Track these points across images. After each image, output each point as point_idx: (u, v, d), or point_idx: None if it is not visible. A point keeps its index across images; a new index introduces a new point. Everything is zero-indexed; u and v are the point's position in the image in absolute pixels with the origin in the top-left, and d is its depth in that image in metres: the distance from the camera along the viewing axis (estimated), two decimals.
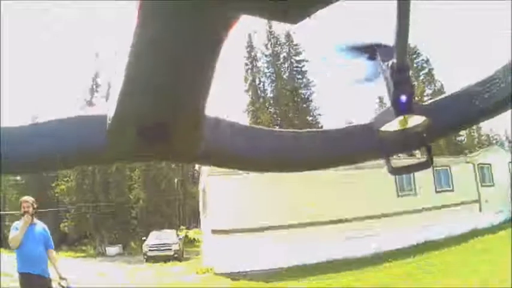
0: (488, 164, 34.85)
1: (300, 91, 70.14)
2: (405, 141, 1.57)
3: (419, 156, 21.67)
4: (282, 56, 70.90)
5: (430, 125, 1.46)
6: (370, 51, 1.57)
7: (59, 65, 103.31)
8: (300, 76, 71.19)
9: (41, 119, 1.28)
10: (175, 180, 67.33)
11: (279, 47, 71.36)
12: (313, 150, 1.61)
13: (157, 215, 60.81)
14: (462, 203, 31.30)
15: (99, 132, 1.25)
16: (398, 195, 30.15)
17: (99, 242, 56.55)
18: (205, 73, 1.09)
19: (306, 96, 70.51)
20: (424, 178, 29.56)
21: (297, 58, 70.99)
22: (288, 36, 71.33)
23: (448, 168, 32.39)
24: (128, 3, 0.89)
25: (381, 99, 68.02)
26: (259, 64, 70.61)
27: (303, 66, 70.80)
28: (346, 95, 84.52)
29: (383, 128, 1.47)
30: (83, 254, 52.32)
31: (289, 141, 1.59)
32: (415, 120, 1.44)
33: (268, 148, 1.53)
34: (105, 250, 53.74)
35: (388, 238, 27.12)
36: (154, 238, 41.86)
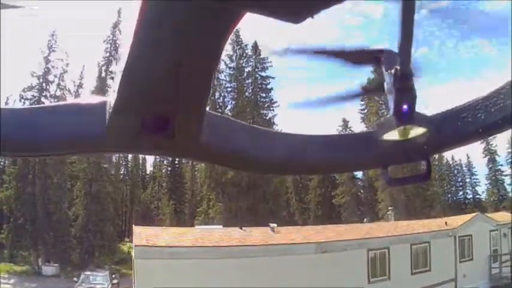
0: (469, 235, 33.40)
1: (261, 111, 66.29)
2: (405, 153, 1.58)
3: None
4: (246, 70, 66.78)
5: (431, 138, 1.47)
6: (376, 55, 1.53)
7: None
8: (263, 94, 67.25)
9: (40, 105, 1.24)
10: (122, 195, 65.45)
11: (245, 60, 67.52)
12: (315, 154, 1.64)
13: (97, 235, 56.65)
14: (439, 284, 29.73)
15: (98, 121, 1.29)
16: (369, 281, 27.81)
17: (35, 259, 53.23)
18: (207, 69, 1.15)
19: (268, 118, 66.26)
20: (400, 259, 27.97)
21: (263, 74, 66.81)
22: (256, 48, 67.82)
23: (428, 244, 30.56)
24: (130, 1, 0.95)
25: (345, 121, 65.97)
26: (221, 77, 66.25)
27: (268, 83, 66.86)
28: (310, 119, 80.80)
29: (384, 137, 1.48)
30: (19, 269, 49.05)
31: (292, 143, 1.63)
32: (417, 132, 1.44)
33: (271, 149, 1.58)
34: (41, 269, 50.13)
35: None
36: (85, 280, 39.07)
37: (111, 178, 62.34)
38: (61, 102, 1.38)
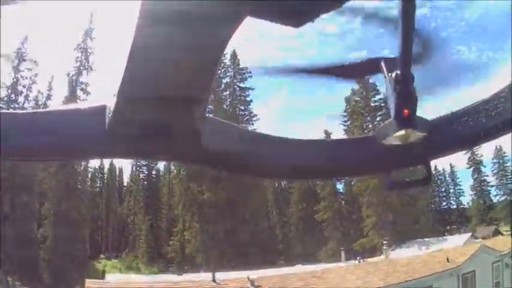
0: (473, 271, 31.52)
1: (240, 125, 62.17)
2: (406, 157, 1.59)
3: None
4: (224, 80, 63.54)
5: (432, 142, 1.49)
6: (375, 64, 1.55)
7: None
8: (242, 107, 64.59)
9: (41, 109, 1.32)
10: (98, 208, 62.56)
11: (223, 70, 64.23)
12: (315, 159, 1.67)
13: (66, 257, 53.15)
14: None
15: (98, 125, 1.31)
16: None
17: (5, 280, 49.44)
18: (207, 73, 1.17)
19: None
20: None
21: (242, 85, 63.90)
22: (234, 57, 64.79)
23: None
24: (131, 3, 0.96)
25: (327, 133, 63.75)
26: None
27: (248, 95, 63.91)
28: (290, 131, 78.38)
29: (384, 141, 1.48)
30: None
31: (292, 148, 1.65)
32: (417, 136, 1.44)
33: (270, 154, 1.60)
34: None
35: None
36: None
37: (81, 196, 58.87)
38: (61, 107, 1.40)
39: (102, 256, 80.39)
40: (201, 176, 57.34)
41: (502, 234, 57.14)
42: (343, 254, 46.38)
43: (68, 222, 54.15)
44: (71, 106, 1.39)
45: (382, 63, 1.49)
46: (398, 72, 1.37)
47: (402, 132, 1.41)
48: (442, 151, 1.66)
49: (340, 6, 0.85)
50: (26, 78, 59.28)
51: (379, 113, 63.68)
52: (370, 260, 41.02)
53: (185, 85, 1.18)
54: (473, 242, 42.22)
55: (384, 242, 44.46)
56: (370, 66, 1.60)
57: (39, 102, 59.44)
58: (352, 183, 66.40)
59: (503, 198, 78.03)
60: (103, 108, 1.31)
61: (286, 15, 0.85)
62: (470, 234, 53.75)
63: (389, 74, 1.42)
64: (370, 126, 64.77)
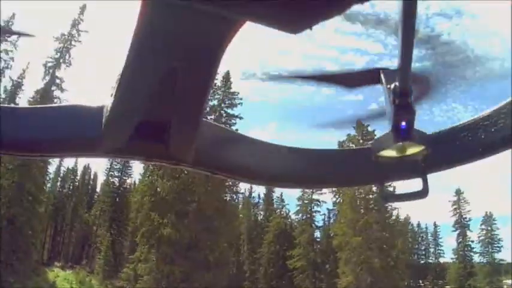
0: None
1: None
2: (402, 169, 1.59)
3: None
4: (211, 103, 58.51)
5: (429, 156, 1.48)
6: (374, 75, 1.57)
7: None
8: None
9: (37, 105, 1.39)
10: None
11: (212, 91, 59.42)
12: (310, 167, 1.68)
13: (8, 269, 47.93)
14: None
15: (95, 124, 1.34)
16: None
17: None
18: (205, 77, 1.20)
19: None
20: None
21: (230, 111, 59.35)
22: (227, 79, 60.27)
23: None
24: (131, 3, 0.97)
25: None
26: None
27: (234, 123, 58.65)
28: None
29: (380, 153, 1.48)
30: None
31: (287, 156, 1.65)
32: (414, 149, 1.45)
33: (266, 161, 1.62)
34: None
35: None
36: None
37: (38, 199, 53.67)
38: (60, 104, 1.43)
39: (57, 264, 75.59)
40: (167, 207, 52.93)
41: None
42: None
43: (14, 229, 48.98)
44: (70, 104, 1.40)
45: (382, 75, 1.47)
46: (397, 84, 1.34)
47: (399, 144, 1.40)
48: (439, 165, 1.61)
49: (341, 14, 0.84)
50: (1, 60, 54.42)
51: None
52: None
53: (183, 87, 1.19)
54: None
55: None
56: (370, 76, 1.55)
57: (6, 89, 54.59)
58: (331, 234, 62.93)
59: (485, 267, 75.28)
60: (100, 108, 1.33)
61: (285, 20, 0.85)
62: None
63: (388, 86, 1.39)
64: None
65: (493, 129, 1.53)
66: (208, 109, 58.61)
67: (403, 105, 1.35)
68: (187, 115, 1.30)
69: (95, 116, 1.33)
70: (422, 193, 1.55)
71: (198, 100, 1.25)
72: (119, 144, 1.37)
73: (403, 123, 1.36)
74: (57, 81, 57.04)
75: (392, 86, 1.39)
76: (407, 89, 1.35)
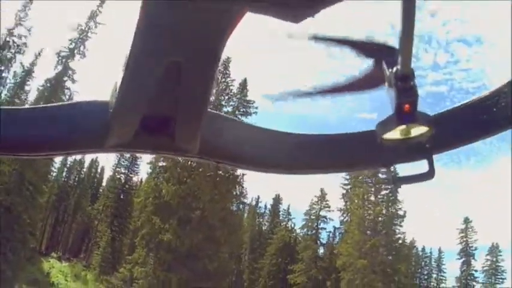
0: None
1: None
2: (407, 151, 1.59)
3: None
4: (225, 109, 57.50)
5: (433, 136, 1.47)
6: (376, 51, 1.54)
7: None
8: None
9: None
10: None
11: (226, 97, 58.92)
12: (316, 153, 1.69)
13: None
14: None
15: (100, 120, 1.36)
16: None
17: None
18: (208, 70, 1.21)
19: (237, 173, 57.34)
20: None
21: (243, 119, 57.25)
22: (243, 86, 59.18)
23: None
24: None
25: (323, 192, 58.29)
26: None
27: None
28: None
29: (385, 136, 1.47)
30: None
31: (292, 142, 1.67)
32: (418, 130, 1.44)
33: (272, 148, 1.63)
34: None
35: None
36: None
37: (38, 188, 52.69)
38: (63, 102, 1.42)
39: (54, 255, 74.84)
40: (169, 212, 51.79)
41: None
42: None
43: (11, 217, 48.28)
44: (73, 101, 1.41)
45: (384, 63, 1.45)
46: (399, 67, 1.33)
47: (403, 126, 1.40)
48: (444, 146, 1.62)
49: (342, 0, 0.85)
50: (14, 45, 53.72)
51: (385, 187, 58.59)
52: None
53: (186, 80, 1.21)
54: None
55: None
56: (378, 75, 1.48)
57: (16, 75, 53.93)
58: (336, 252, 61.86)
59: None
60: (105, 104, 1.34)
61: (287, 10, 0.86)
62: None
63: (390, 70, 1.38)
64: (372, 198, 60.10)
65: (494, 109, 1.53)
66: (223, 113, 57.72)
67: (405, 88, 1.33)
68: (192, 107, 1.31)
69: (100, 112, 1.33)
70: (429, 174, 1.54)
71: (202, 92, 1.27)
72: (125, 138, 1.37)
73: (406, 106, 1.34)
74: (69, 72, 56.16)
75: (394, 69, 1.36)
76: (409, 71, 1.34)
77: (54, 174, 77.41)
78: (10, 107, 1.37)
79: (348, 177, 61.81)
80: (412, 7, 1.16)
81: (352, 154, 1.69)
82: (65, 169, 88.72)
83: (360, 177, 60.10)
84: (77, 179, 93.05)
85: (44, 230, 76.13)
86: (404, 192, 55.25)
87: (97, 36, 58.56)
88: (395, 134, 1.43)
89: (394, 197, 61.07)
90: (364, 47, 1.57)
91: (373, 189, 61.05)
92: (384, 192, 60.91)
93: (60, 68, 56.22)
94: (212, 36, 1.07)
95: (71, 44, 57.47)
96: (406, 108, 1.34)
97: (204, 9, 0.98)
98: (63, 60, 56.61)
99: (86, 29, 57.86)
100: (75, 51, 57.09)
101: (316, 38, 1.57)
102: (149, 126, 1.34)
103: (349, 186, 64.09)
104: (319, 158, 1.69)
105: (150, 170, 61.47)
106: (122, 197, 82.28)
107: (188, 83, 1.22)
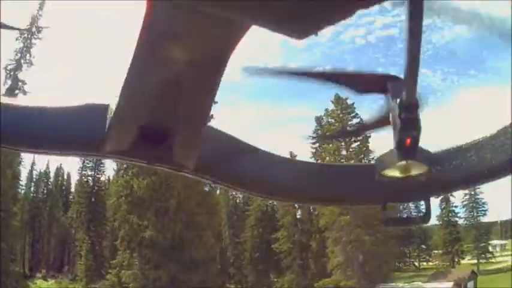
0: None
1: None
2: (405, 190, 1.54)
3: None
4: None
5: (433, 177, 1.43)
6: (381, 82, 1.48)
7: None
8: None
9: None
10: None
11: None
12: (312, 183, 1.65)
13: None
14: None
15: (98, 125, 1.35)
16: None
17: None
18: (210, 82, 1.20)
19: None
20: None
21: None
22: None
23: None
24: (136, 3, 0.98)
25: (292, 155, 58.32)
26: None
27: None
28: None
29: (383, 172, 1.42)
30: None
31: (289, 170, 1.65)
32: (418, 169, 1.39)
33: (271, 174, 1.60)
34: None
35: None
36: None
37: (8, 214, 51.32)
38: (66, 104, 1.43)
39: (39, 275, 73.81)
40: (145, 207, 50.97)
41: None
42: None
43: None
44: (74, 104, 1.40)
45: (389, 85, 1.41)
46: (404, 97, 1.27)
47: (403, 163, 1.35)
48: (443, 188, 1.61)
49: (346, 19, 0.86)
50: None
51: (355, 139, 59.14)
52: None
53: (188, 92, 1.20)
54: None
55: None
56: (376, 83, 1.46)
57: None
58: (316, 212, 62.26)
59: (471, 231, 76.68)
60: (105, 109, 1.34)
61: (292, 25, 0.86)
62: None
63: (395, 99, 1.33)
64: (343, 153, 60.39)
65: (499, 150, 1.47)
66: None
67: (408, 121, 1.28)
68: (191, 120, 1.30)
69: (99, 116, 1.33)
70: (425, 218, 1.51)
71: (203, 105, 1.26)
72: (122, 146, 1.35)
73: (408, 140, 1.29)
74: (19, 84, 54.28)
75: (399, 99, 1.30)
76: (413, 102, 1.28)
77: (23, 191, 75.54)
78: (14, 103, 1.36)
79: (315, 135, 61.48)
80: (419, 33, 1.12)
81: (348, 188, 1.64)
82: (32, 184, 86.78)
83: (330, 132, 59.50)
84: (45, 191, 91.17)
85: (24, 251, 74.70)
86: (376, 140, 55.61)
87: (43, 40, 56.76)
88: (394, 171, 1.38)
89: (366, 148, 61.52)
90: (367, 82, 1.52)
91: (343, 143, 60.94)
92: (355, 144, 61.40)
93: (10, 82, 53.93)
94: (216, 50, 1.07)
95: (16, 55, 55.36)
96: (407, 143, 1.28)
97: (208, 23, 0.97)
98: (11, 73, 54.38)
99: (29, 36, 55.79)
100: (22, 61, 54.99)
101: (309, 74, 1.55)
102: (147, 136, 1.30)
103: (317, 144, 63.84)
104: (315, 189, 1.64)
105: (116, 167, 60.69)
106: (93, 200, 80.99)
107: (189, 96, 1.20)
